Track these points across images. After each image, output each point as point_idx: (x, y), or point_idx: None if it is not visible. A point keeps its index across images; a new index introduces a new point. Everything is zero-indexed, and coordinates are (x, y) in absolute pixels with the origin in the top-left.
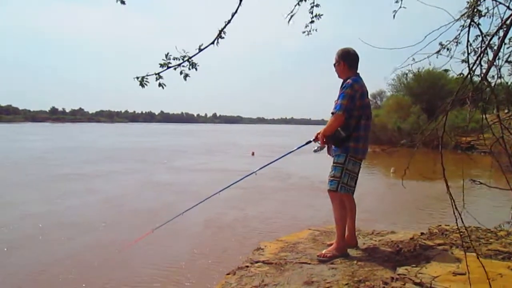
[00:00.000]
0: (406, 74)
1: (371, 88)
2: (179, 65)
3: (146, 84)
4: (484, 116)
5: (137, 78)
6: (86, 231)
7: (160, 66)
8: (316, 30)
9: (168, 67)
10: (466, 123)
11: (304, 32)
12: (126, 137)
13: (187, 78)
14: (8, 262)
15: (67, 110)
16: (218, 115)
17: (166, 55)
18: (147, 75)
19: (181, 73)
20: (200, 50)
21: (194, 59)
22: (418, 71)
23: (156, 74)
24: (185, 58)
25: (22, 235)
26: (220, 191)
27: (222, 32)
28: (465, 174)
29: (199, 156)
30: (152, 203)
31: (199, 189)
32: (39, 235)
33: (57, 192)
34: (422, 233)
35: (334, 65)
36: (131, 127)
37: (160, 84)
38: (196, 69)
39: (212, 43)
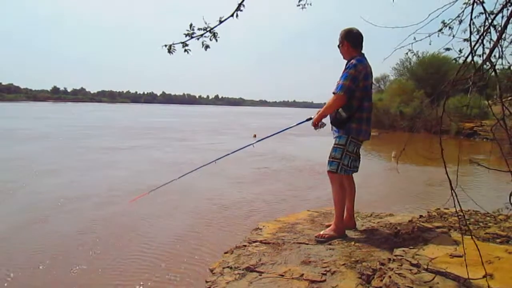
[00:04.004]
0: (410, 59)
1: (375, 71)
2: (201, 35)
3: (173, 51)
4: (487, 101)
5: (165, 45)
6: (114, 201)
7: (185, 36)
8: (310, 4)
9: (192, 37)
10: (468, 109)
11: (298, 6)
12: (142, 117)
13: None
14: (45, 227)
15: (69, 90)
16: (220, 96)
17: (190, 26)
18: (173, 44)
19: (202, 44)
20: (221, 22)
21: (215, 31)
22: (418, 54)
23: (182, 42)
24: (207, 29)
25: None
26: (216, 159)
27: (241, 5)
28: (467, 159)
29: (212, 136)
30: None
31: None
32: (65, 205)
33: (108, 161)
34: (421, 216)
35: (338, 46)
36: (139, 108)
37: (185, 50)
38: (216, 40)
39: (232, 15)
